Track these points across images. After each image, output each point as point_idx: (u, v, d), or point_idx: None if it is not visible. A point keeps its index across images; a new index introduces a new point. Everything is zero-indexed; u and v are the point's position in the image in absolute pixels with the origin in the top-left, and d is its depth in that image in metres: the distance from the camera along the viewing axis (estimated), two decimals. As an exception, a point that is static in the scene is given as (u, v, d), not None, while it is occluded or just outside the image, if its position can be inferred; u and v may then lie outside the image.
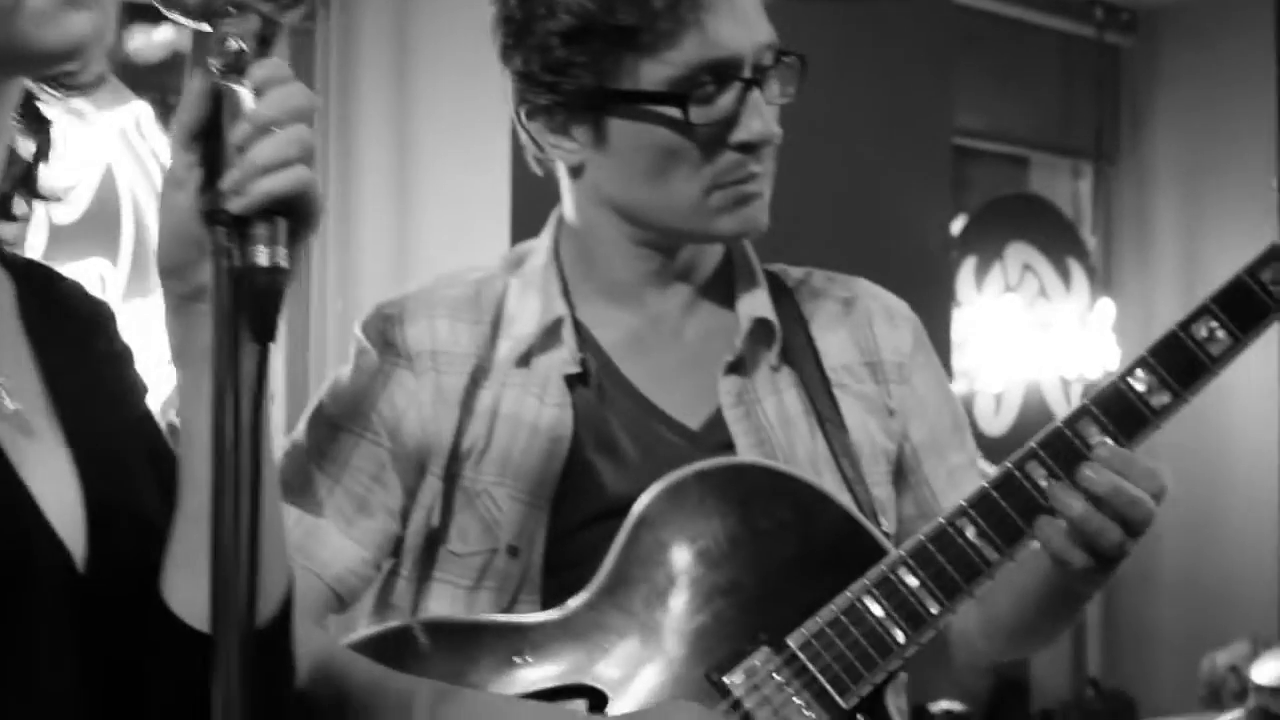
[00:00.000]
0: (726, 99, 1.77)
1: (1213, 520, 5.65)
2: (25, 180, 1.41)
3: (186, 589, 1.29)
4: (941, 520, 1.75)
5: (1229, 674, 4.45)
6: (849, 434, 1.88)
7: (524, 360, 1.83)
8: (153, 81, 3.46)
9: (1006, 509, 1.75)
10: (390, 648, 1.73)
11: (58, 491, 1.30)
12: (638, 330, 1.88)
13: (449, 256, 3.62)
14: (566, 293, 1.86)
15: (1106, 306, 5.88)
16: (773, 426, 1.83)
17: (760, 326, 1.87)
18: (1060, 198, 6.10)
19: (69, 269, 3.22)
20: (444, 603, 1.81)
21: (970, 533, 1.75)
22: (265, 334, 1.16)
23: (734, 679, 1.71)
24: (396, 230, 3.69)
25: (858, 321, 1.93)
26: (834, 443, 1.85)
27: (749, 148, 1.78)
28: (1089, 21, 5.86)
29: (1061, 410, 3.75)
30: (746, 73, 1.78)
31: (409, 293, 1.89)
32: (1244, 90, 5.67)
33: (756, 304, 1.88)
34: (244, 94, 1.17)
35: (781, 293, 1.93)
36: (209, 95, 1.18)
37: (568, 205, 1.88)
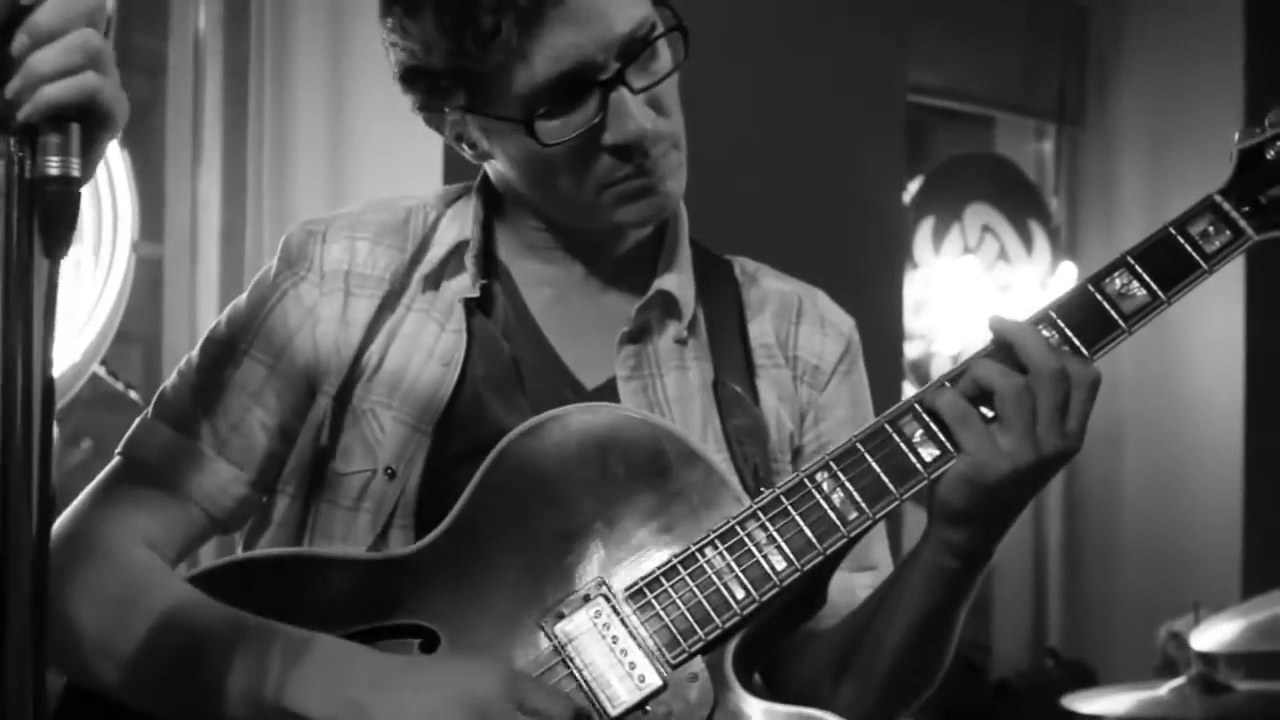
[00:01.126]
0: (586, 107, 1.71)
1: (1174, 489, 5.61)
2: None
3: None
4: (801, 474, 1.68)
5: (1170, 641, 4.41)
6: (761, 412, 1.83)
7: (432, 283, 1.81)
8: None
9: (873, 465, 1.67)
10: (224, 580, 1.69)
11: None
12: (554, 280, 1.85)
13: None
14: (486, 226, 1.84)
15: (1069, 270, 5.82)
16: (668, 402, 1.79)
17: (663, 298, 1.83)
18: (1024, 159, 6.04)
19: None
20: (323, 522, 1.77)
21: (829, 488, 1.67)
22: (56, 246, 1.11)
23: (562, 627, 1.65)
24: (331, 184, 3.64)
25: (786, 315, 1.90)
26: (727, 419, 1.80)
27: (623, 150, 1.72)
28: (1055, -21, 5.81)
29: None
30: (605, 73, 1.70)
31: (340, 211, 1.87)
32: (1211, 53, 5.61)
33: (667, 279, 1.84)
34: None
35: (722, 278, 1.90)
36: None
37: (488, 172, 1.87)
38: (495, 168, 1.84)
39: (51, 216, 1.11)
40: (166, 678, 1.64)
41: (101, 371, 3.28)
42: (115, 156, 3.33)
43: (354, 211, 1.87)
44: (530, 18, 1.66)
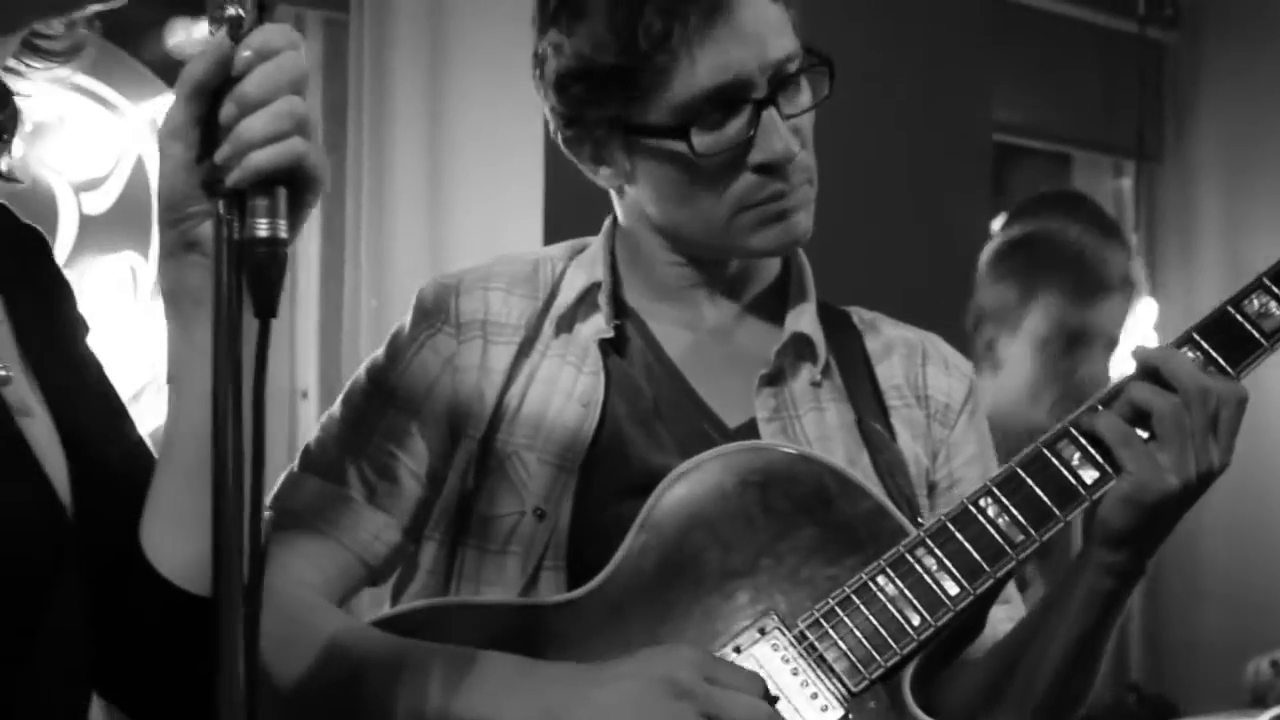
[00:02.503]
0: (738, 123, 1.77)
1: (1257, 524, 5.58)
2: None
3: (170, 543, 1.29)
4: (964, 500, 1.71)
5: (1270, 669, 4.38)
6: (900, 449, 1.87)
7: (564, 326, 1.85)
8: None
9: (1035, 488, 1.70)
10: (404, 630, 1.72)
11: (53, 460, 1.29)
12: (686, 323, 1.89)
13: (482, 252, 3.60)
14: (615, 270, 1.88)
15: (1149, 305, 5.81)
16: (809, 442, 1.82)
17: (799, 341, 1.86)
18: (1102, 195, 6.03)
19: (100, 262, 3.25)
20: (471, 567, 1.80)
21: (994, 512, 1.70)
22: (266, 307, 1.15)
23: (741, 661, 1.67)
24: (429, 226, 3.68)
25: (913, 358, 1.94)
26: (877, 456, 1.83)
27: (769, 169, 1.77)
28: (1131, 16, 5.79)
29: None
30: (759, 92, 1.76)
31: (470, 267, 1.92)
32: (1289, 86, 5.61)
33: (800, 319, 1.88)
34: (238, 61, 1.16)
35: (844, 325, 1.94)
36: (213, 57, 1.17)
37: (618, 211, 1.91)
38: (629, 197, 1.88)
39: (261, 276, 1.14)
40: (332, 703, 1.67)
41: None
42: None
43: (483, 266, 1.92)
44: (699, 26, 1.72)
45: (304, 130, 1.16)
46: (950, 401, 1.93)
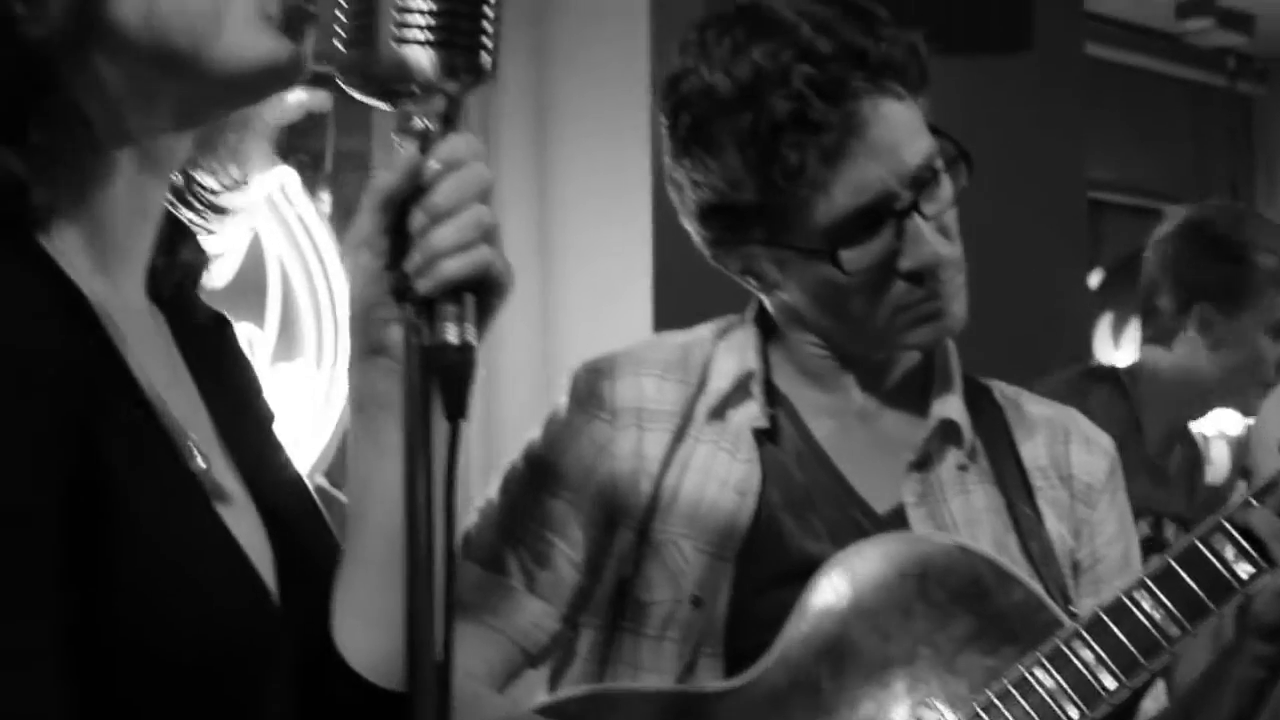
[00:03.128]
0: (883, 235, 1.78)
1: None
2: (170, 251, 1.37)
3: (361, 639, 1.30)
4: (1120, 593, 1.73)
5: None
6: (1047, 531, 1.88)
7: (717, 414, 1.87)
8: (296, 145, 3.51)
9: (1189, 582, 1.72)
10: (567, 717, 1.75)
11: (257, 548, 1.29)
12: (834, 409, 1.91)
13: (591, 324, 3.64)
14: (763, 355, 1.90)
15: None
16: (957, 526, 1.84)
17: (946, 427, 1.88)
18: (1194, 250, 6.02)
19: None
20: (629, 652, 1.82)
21: (1148, 605, 1.72)
22: (457, 410, 1.17)
23: None
24: (539, 294, 3.71)
25: (1056, 437, 1.95)
26: (1028, 540, 1.85)
27: (919, 274, 1.79)
28: (1220, 71, 5.80)
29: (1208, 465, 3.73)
30: (901, 203, 1.78)
31: (620, 351, 1.94)
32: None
33: (947, 405, 1.89)
34: (427, 173, 1.19)
35: (987, 401, 1.95)
36: (402, 169, 1.19)
37: (766, 304, 1.93)
38: (779, 298, 1.90)
39: (452, 380, 1.16)
40: None
41: (325, 483, 3.37)
42: (337, 268, 3.44)
43: (635, 350, 1.94)
44: (833, 152, 1.74)
45: (491, 239, 1.19)
46: (1093, 481, 1.94)
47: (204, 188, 1.36)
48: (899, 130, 1.78)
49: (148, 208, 1.29)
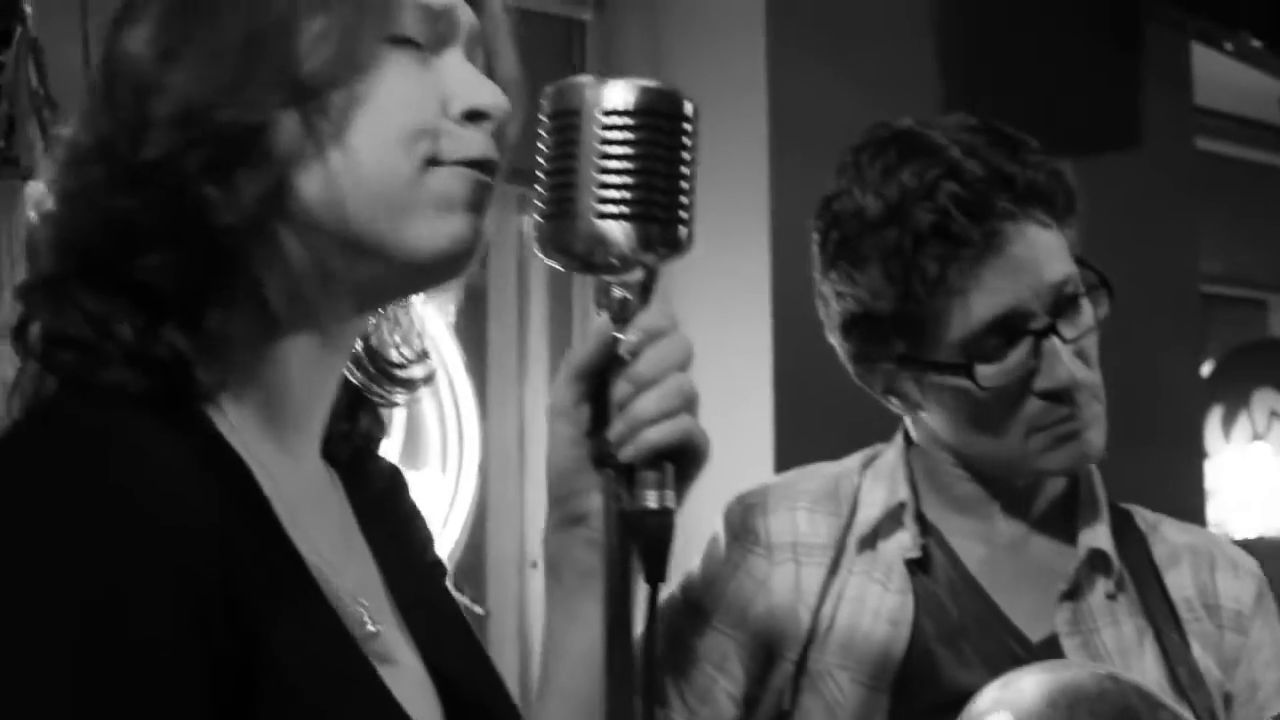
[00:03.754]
0: (1020, 352, 1.80)
1: None
2: (350, 418, 1.39)
3: None
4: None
5: None
6: (1195, 659, 1.88)
7: (869, 544, 1.89)
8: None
9: None
10: None
11: (426, 715, 1.29)
12: (983, 537, 1.92)
13: (710, 418, 3.64)
14: (913, 484, 1.91)
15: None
16: (1110, 656, 1.85)
17: (1096, 557, 1.89)
18: (1303, 340, 5.99)
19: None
20: None
21: None
22: (657, 574, 1.19)
23: None
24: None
25: (1200, 565, 1.95)
26: (1176, 667, 1.85)
27: (1055, 395, 1.81)
28: (1328, 163, 5.79)
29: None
30: (1038, 322, 1.80)
31: (770, 483, 1.97)
32: None
33: (1096, 535, 1.90)
34: (627, 345, 1.21)
35: (1129, 528, 1.95)
36: (598, 339, 1.23)
37: (910, 429, 1.95)
38: (921, 422, 1.92)
39: (653, 546, 1.18)
40: None
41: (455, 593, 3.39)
42: (460, 375, 3.47)
43: (785, 482, 1.97)
44: (973, 265, 1.76)
45: (692, 408, 1.21)
46: (1241, 607, 1.93)
47: (386, 362, 1.38)
48: (1040, 250, 1.80)
49: (325, 380, 1.30)
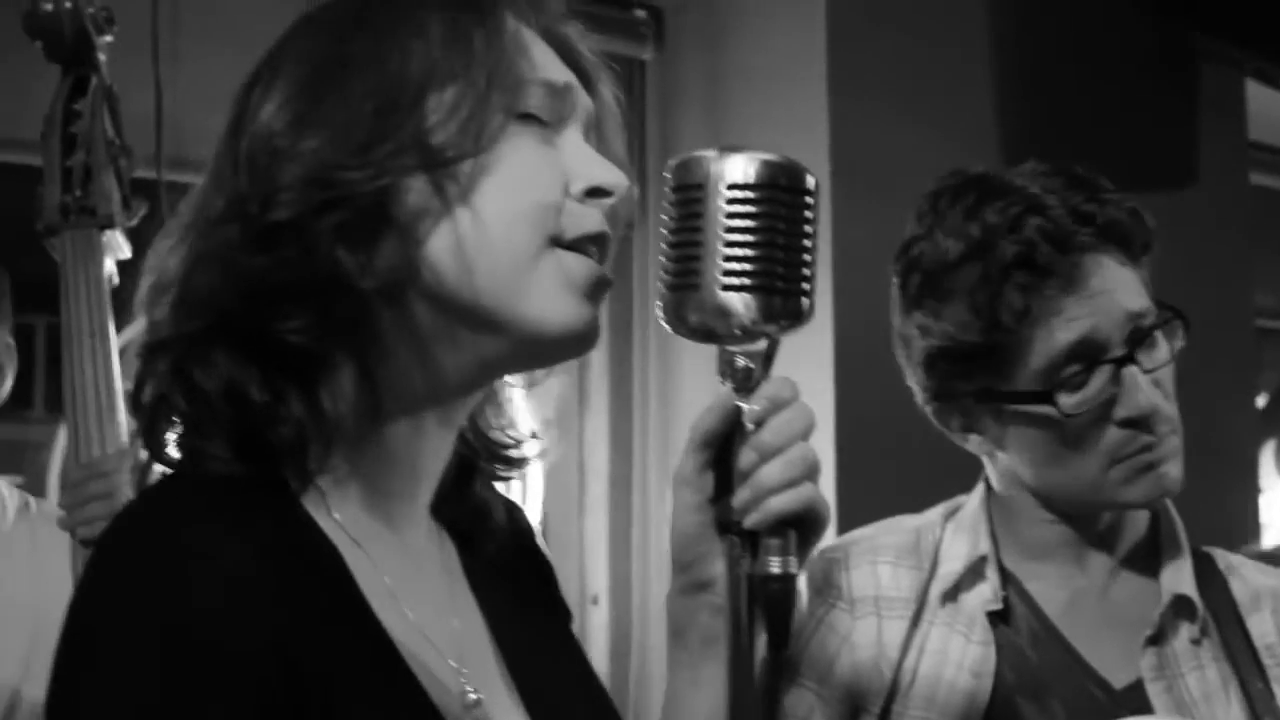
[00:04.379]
0: (1099, 380, 1.84)
1: None
2: (461, 486, 1.41)
3: None
4: None
5: None
6: (1279, 706, 1.89)
7: (950, 596, 1.91)
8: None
9: None
10: None
11: None
12: (1064, 584, 1.94)
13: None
14: (993, 536, 1.93)
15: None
16: (1195, 702, 1.86)
17: (1180, 602, 1.91)
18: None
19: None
20: None
21: None
22: (780, 638, 1.22)
23: None
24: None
25: None
26: (1262, 716, 1.87)
27: (1135, 423, 1.84)
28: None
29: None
30: (1116, 350, 1.84)
31: (851, 538, 2.00)
32: None
33: (1179, 579, 1.93)
34: (752, 414, 1.24)
35: (1211, 571, 1.97)
36: (723, 409, 1.25)
37: (990, 476, 1.98)
38: (1000, 463, 1.94)
39: (776, 611, 1.22)
40: None
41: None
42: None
43: (866, 537, 2.00)
44: (1056, 296, 1.81)
45: (814, 475, 1.24)
46: None
47: (495, 443, 1.40)
48: (1118, 283, 1.85)
49: (435, 453, 1.32)
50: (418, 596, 1.29)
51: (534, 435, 1.42)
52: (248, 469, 1.20)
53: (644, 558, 3.80)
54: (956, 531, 1.97)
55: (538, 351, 1.29)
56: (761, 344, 1.23)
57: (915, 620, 1.91)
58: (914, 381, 1.95)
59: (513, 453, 1.41)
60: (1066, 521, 1.94)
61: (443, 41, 1.24)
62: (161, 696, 1.08)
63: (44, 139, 2.41)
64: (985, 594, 1.91)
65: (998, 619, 1.91)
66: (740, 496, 1.22)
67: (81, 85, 2.42)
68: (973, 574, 1.92)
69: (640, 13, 3.84)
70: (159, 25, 3.07)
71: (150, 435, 1.24)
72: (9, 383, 2.44)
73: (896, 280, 1.93)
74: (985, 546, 1.93)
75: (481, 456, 1.39)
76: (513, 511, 1.47)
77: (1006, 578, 1.94)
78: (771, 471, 1.22)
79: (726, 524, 1.25)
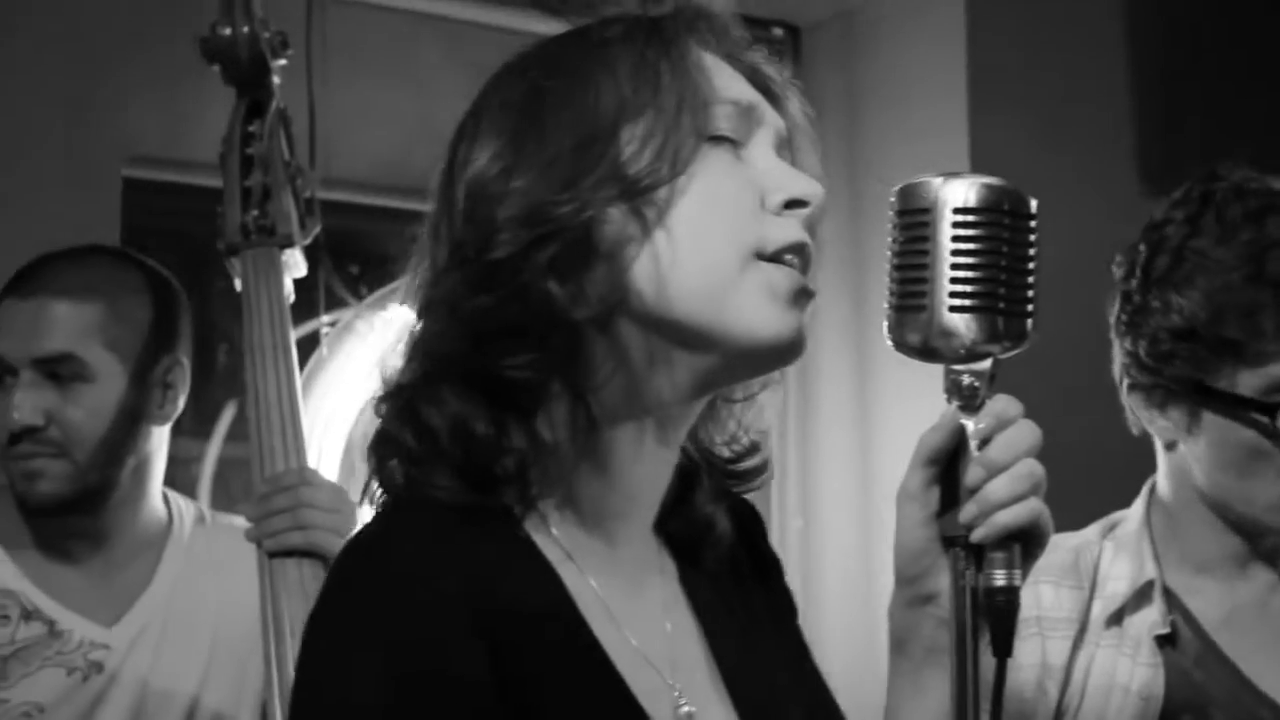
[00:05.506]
0: None
1: None
2: (684, 502, 1.43)
3: None
4: None
5: None
6: None
7: (1115, 619, 1.92)
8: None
9: None
10: None
11: None
12: (1229, 603, 1.95)
13: (905, 434, 3.63)
14: (1156, 557, 1.94)
15: None
16: None
17: None
18: None
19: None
20: None
21: None
22: (1004, 648, 1.25)
23: None
24: (858, 447, 3.75)
25: None
26: None
27: None
28: None
29: None
30: None
31: None
32: None
33: None
34: (978, 431, 1.27)
35: None
36: (949, 426, 1.29)
37: (1161, 478, 1.97)
38: (1177, 456, 1.94)
39: (1001, 621, 1.25)
40: None
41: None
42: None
43: None
44: None
45: (1039, 491, 1.27)
46: None
47: (718, 458, 1.43)
48: None
49: (656, 472, 1.36)
50: (636, 614, 1.33)
51: (756, 447, 1.45)
52: (472, 497, 1.26)
53: (786, 570, 3.80)
54: (1117, 550, 1.98)
55: (748, 363, 1.33)
56: (986, 364, 1.26)
57: (1079, 641, 1.92)
58: (1125, 347, 1.94)
59: (737, 466, 1.44)
60: (1235, 531, 1.94)
61: (631, 75, 1.29)
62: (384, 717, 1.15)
63: (223, 160, 2.47)
64: (1152, 618, 1.92)
65: (1164, 641, 1.91)
66: (967, 511, 1.25)
67: (257, 108, 2.48)
68: (1139, 597, 1.93)
69: (778, 31, 3.87)
70: (311, 49, 3.15)
71: (381, 474, 1.30)
72: (181, 401, 2.50)
73: (1143, 249, 1.93)
74: (1151, 570, 1.94)
75: (705, 471, 1.42)
76: (740, 510, 1.49)
77: (1172, 600, 1.94)
78: (998, 487, 1.24)
79: (951, 538, 1.28)
